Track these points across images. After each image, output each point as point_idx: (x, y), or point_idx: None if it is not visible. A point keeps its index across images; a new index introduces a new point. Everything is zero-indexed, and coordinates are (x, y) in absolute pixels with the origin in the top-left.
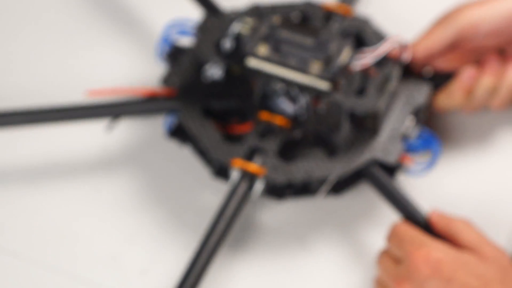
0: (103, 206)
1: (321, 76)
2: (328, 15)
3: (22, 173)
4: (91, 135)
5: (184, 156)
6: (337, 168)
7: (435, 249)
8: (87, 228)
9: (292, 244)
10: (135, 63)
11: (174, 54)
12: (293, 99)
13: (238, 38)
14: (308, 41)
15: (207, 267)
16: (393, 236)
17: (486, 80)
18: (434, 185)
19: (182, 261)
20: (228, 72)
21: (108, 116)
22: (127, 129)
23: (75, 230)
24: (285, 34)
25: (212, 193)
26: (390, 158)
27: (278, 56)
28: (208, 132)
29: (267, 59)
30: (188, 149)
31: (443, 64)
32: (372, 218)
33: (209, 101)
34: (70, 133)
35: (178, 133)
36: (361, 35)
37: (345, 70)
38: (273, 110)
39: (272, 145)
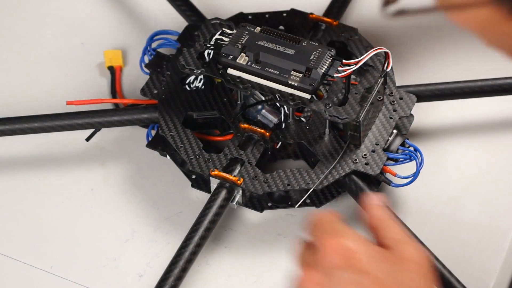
0: (98, 208)
1: (301, 88)
2: (315, 23)
3: (14, 174)
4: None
5: None
6: (317, 180)
7: (350, 239)
8: (84, 230)
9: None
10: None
11: (156, 63)
12: (275, 110)
13: (218, 48)
14: (289, 51)
15: (184, 274)
16: (313, 223)
17: None
18: (418, 195)
19: None
20: (209, 82)
21: (83, 128)
22: (122, 130)
23: (71, 233)
24: (266, 44)
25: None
26: (372, 170)
27: (258, 66)
28: (188, 143)
29: (246, 69)
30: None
31: None
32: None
33: (189, 111)
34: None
35: (159, 143)
36: (347, 44)
37: (326, 80)
38: (255, 120)
39: (251, 156)
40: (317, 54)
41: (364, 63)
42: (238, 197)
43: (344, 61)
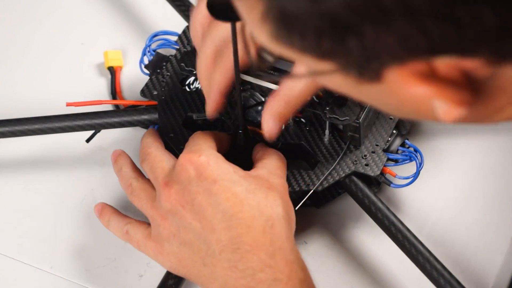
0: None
1: None
2: None
3: (14, 176)
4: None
5: None
6: (317, 181)
7: (204, 155)
8: (84, 230)
9: None
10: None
11: (156, 64)
12: None
13: None
14: None
15: None
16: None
17: None
18: (418, 195)
19: None
20: None
21: (83, 130)
22: (122, 131)
23: (71, 233)
24: None
25: None
26: (372, 171)
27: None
28: None
29: (245, 70)
30: None
31: None
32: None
33: (189, 112)
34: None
35: None
36: None
37: None
38: (255, 121)
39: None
40: None
41: None
42: None
43: None
